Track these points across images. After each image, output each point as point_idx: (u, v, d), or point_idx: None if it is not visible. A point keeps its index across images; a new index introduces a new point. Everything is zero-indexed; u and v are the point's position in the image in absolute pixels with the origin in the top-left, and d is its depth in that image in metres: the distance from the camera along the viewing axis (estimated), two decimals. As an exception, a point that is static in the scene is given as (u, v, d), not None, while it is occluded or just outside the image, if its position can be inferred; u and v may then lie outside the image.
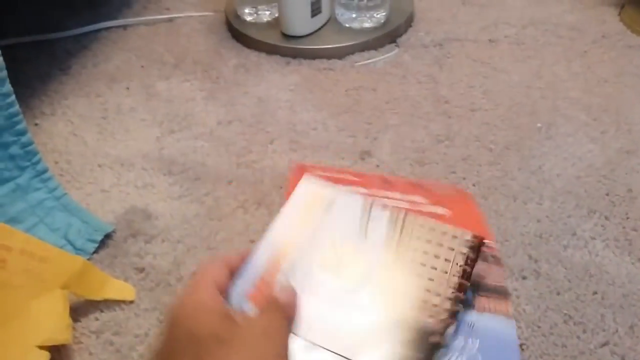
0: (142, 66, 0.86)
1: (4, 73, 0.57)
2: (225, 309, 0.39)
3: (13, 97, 0.59)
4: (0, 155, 0.58)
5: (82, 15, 0.96)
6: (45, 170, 0.62)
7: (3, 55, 0.55)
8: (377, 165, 0.68)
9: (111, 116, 0.78)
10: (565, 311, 0.52)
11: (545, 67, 0.82)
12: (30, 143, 0.60)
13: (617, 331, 0.50)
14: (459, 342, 0.44)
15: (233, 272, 0.45)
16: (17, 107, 0.60)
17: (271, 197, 0.65)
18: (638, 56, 0.84)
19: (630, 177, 0.65)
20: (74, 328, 0.53)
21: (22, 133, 0.60)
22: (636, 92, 0.77)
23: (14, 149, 0.59)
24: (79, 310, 0.54)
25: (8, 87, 0.59)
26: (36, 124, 0.76)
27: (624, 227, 0.59)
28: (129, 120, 0.77)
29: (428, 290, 0.47)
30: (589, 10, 0.94)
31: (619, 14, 0.94)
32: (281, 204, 0.64)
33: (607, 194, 0.63)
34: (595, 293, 0.53)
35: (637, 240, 0.58)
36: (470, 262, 0.49)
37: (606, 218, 0.60)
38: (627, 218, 0.60)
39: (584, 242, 0.58)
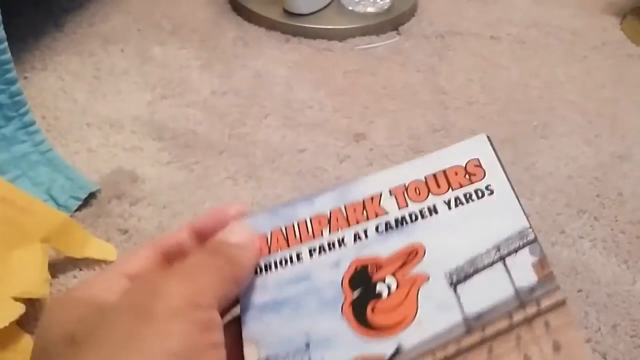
0: (139, 30, 0.84)
1: (-1, 18, 0.56)
2: (101, 299, 0.26)
3: (5, 44, 0.58)
4: (-13, 103, 0.56)
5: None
6: (32, 123, 0.60)
7: (-1, 4, 0.54)
8: (371, 149, 0.67)
9: (103, 77, 0.76)
10: (549, 306, 0.52)
11: (544, 67, 0.82)
12: (19, 93, 0.59)
13: (599, 329, 0.50)
14: None
15: (169, 253, 0.30)
16: (8, 55, 0.58)
17: (263, 170, 0.64)
18: (636, 65, 0.84)
19: (622, 181, 0.65)
20: (51, 284, 0.51)
21: (12, 82, 0.58)
22: (633, 100, 0.77)
23: (2, 98, 0.58)
24: (57, 267, 0.53)
25: (1, 33, 0.57)
26: (26, 77, 0.74)
27: (612, 229, 0.59)
28: (122, 82, 0.75)
29: None
30: (592, 17, 0.95)
31: (620, 24, 0.94)
32: (272, 178, 0.63)
33: (598, 196, 0.63)
34: (580, 291, 0.53)
35: (624, 242, 0.58)
36: None
37: (595, 219, 0.60)
38: (616, 220, 0.60)
39: (572, 240, 0.58)
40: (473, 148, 0.28)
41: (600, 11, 0.97)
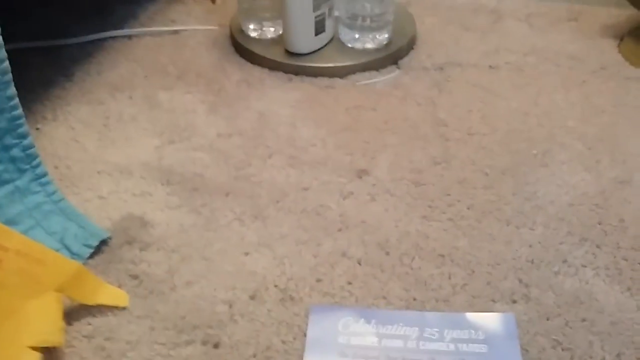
0: (146, 76, 0.87)
1: (9, 76, 0.58)
2: None
3: (16, 100, 0.60)
4: (0, 157, 0.59)
5: (89, 23, 0.98)
6: (44, 174, 0.62)
7: (9, 59, 0.56)
8: (374, 184, 0.69)
9: (112, 124, 0.78)
10: (554, 337, 0.52)
11: (543, 94, 0.84)
12: (31, 146, 0.61)
13: (604, 359, 0.51)
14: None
15: None
16: (20, 110, 0.61)
17: (268, 210, 0.65)
18: (636, 88, 0.85)
19: (623, 207, 0.65)
20: (66, 331, 0.53)
21: (24, 136, 0.61)
22: (632, 123, 0.78)
23: (15, 152, 0.60)
24: (72, 314, 0.55)
25: (12, 90, 0.59)
26: (37, 129, 0.77)
27: (614, 257, 0.60)
28: (130, 129, 0.78)
29: None
30: (589, 41, 0.96)
31: (618, 46, 0.95)
32: (277, 217, 0.65)
33: (600, 223, 0.64)
34: (584, 320, 0.54)
35: (627, 269, 0.58)
36: None
37: (597, 246, 0.61)
38: (619, 247, 0.61)
39: (574, 269, 0.59)
40: None
41: (597, 34, 0.98)
